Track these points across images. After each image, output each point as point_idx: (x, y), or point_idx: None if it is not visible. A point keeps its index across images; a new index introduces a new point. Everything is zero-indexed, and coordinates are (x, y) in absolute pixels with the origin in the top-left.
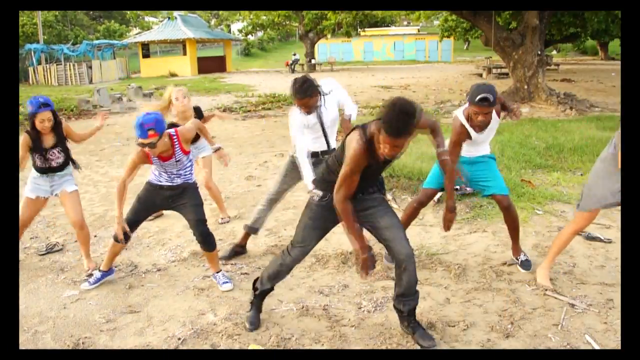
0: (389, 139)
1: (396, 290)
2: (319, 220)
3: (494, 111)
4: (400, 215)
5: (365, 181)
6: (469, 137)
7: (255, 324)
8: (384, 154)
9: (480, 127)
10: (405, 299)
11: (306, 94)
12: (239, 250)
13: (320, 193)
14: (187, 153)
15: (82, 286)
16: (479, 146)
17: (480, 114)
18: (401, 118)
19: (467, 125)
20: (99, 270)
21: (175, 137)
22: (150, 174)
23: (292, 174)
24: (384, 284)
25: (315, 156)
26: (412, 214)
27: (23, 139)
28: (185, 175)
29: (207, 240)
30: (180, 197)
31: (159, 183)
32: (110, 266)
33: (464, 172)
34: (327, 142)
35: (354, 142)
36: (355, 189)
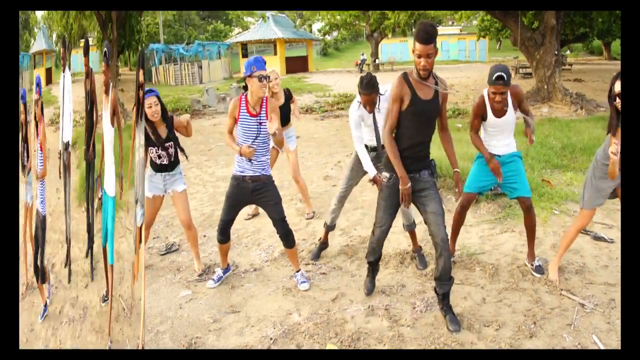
0: (420, 46)
1: (434, 273)
2: (390, 199)
3: (510, 101)
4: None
5: (416, 128)
6: (485, 116)
7: (369, 289)
8: (419, 67)
9: (498, 111)
10: (441, 283)
11: (373, 89)
12: (323, 247)
13: (387, 175)
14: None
15: (207, 284)
16: (503, 137)
17: (497, 93)
18: (427, 27)
19: (488, 104)
20: (221, 269)
21: (264, 101)
22: (234, 164)
23: (357, 167)
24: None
25: (374, 150)
26: (459, 219)
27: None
28: (262, 164)
29: (287, 238)
30: (263, 193)
31: (241, 174)
32: (228, 263)
33: (501, 173)
34: (378, 140)
35: (394, 81)
36: (411, 138)
